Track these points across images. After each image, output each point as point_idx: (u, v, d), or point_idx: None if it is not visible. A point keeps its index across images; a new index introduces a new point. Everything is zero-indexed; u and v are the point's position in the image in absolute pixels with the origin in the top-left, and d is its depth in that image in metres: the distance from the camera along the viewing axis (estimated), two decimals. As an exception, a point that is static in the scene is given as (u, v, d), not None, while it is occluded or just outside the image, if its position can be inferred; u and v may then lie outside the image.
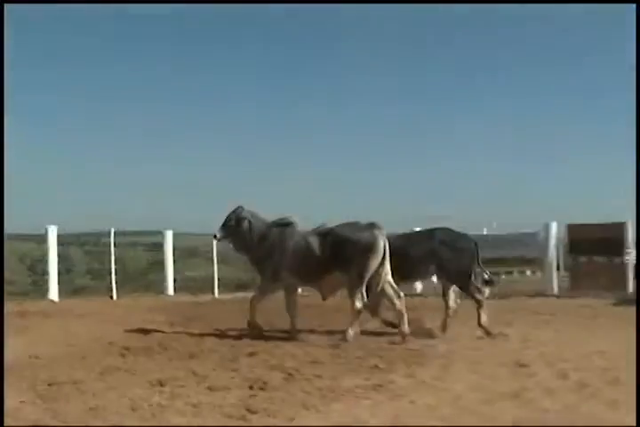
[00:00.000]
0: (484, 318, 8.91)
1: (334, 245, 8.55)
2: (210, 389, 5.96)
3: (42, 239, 15.28)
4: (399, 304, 8.52)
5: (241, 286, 16.98)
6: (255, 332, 8.91)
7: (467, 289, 9.10)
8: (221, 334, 9.11)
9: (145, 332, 9.31)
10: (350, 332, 8.43)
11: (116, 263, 16.00)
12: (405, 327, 8.47)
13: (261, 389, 5.95)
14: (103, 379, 6.50)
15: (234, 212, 9.09)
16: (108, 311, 11.84)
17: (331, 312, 10.36)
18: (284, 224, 9.07)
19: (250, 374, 6.59)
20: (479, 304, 9.00)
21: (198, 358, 7.47)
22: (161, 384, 6.13)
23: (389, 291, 8.56)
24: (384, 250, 8.46)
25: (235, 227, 8.99)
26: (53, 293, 14.89)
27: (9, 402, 5.59)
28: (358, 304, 8.35)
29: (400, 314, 8.51)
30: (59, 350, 7.92)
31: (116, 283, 15.80)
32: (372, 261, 8.33)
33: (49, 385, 6.24)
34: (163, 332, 9.40)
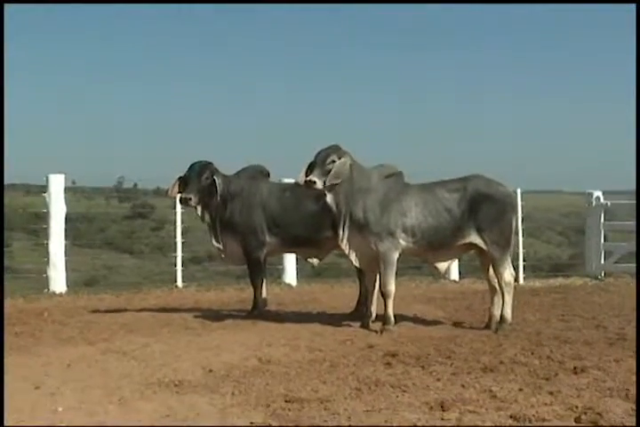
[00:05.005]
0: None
1: (475, 202, 7.09)
2: (513, 418, 4.25)
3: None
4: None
5: (557, 268, 14.18)
6: None
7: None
8: (521, 338, 6.64)
9: (418, 331, 7.13)
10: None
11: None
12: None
13: (593, 423, 4.15)
14: (361, 397, 4.70)
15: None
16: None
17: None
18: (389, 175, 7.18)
19: (576, 400, 4.61)
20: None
21: (497, 371, 5.33)
22: (443, 408, 4.43)
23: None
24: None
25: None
26: (290, 274, 11.31)
27: (236, 421, 4.16)
28: (509, 275, 7.11)
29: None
30: (298, 355, 5.99)
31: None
32: (514, 223, 7.27)
33: (286, 402, 4.58)
34: (445, 332, 7.11)
